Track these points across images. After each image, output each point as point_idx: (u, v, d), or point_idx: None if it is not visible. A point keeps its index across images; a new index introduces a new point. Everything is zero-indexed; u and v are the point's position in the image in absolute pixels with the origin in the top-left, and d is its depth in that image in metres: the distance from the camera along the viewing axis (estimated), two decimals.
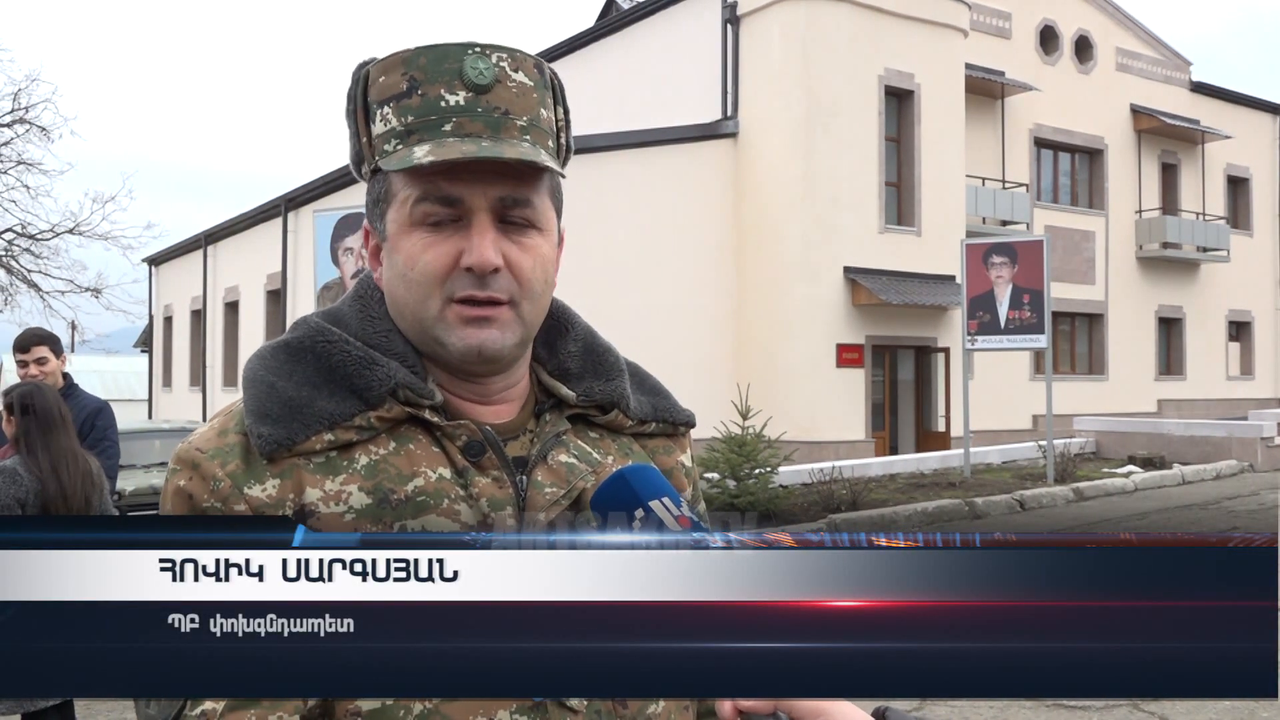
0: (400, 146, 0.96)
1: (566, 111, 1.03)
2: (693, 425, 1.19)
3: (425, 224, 0.96)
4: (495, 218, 0.97)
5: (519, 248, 0.98)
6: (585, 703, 0.95)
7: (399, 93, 0.96)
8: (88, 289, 24.22)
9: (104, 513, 3.93)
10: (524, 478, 1.00)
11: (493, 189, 0.96)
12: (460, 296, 0.96)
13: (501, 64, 0.97)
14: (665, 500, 0.83)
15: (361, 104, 0.99)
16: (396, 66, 0.97)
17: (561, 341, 1.09)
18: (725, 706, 0.77)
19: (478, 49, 0.97)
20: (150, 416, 30.29)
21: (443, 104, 0.95)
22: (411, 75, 0.96)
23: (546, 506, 0.99)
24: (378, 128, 0.97)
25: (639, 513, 0.82)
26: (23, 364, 4.69)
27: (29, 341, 4.72)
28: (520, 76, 0.98)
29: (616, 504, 0.84)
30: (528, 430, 1.05)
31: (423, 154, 0.93)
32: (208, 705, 0.85)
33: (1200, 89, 26.97)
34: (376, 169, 0.99)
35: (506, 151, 0.94)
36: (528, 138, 0.97)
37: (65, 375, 4.85)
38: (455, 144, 0.94)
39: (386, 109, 0.97)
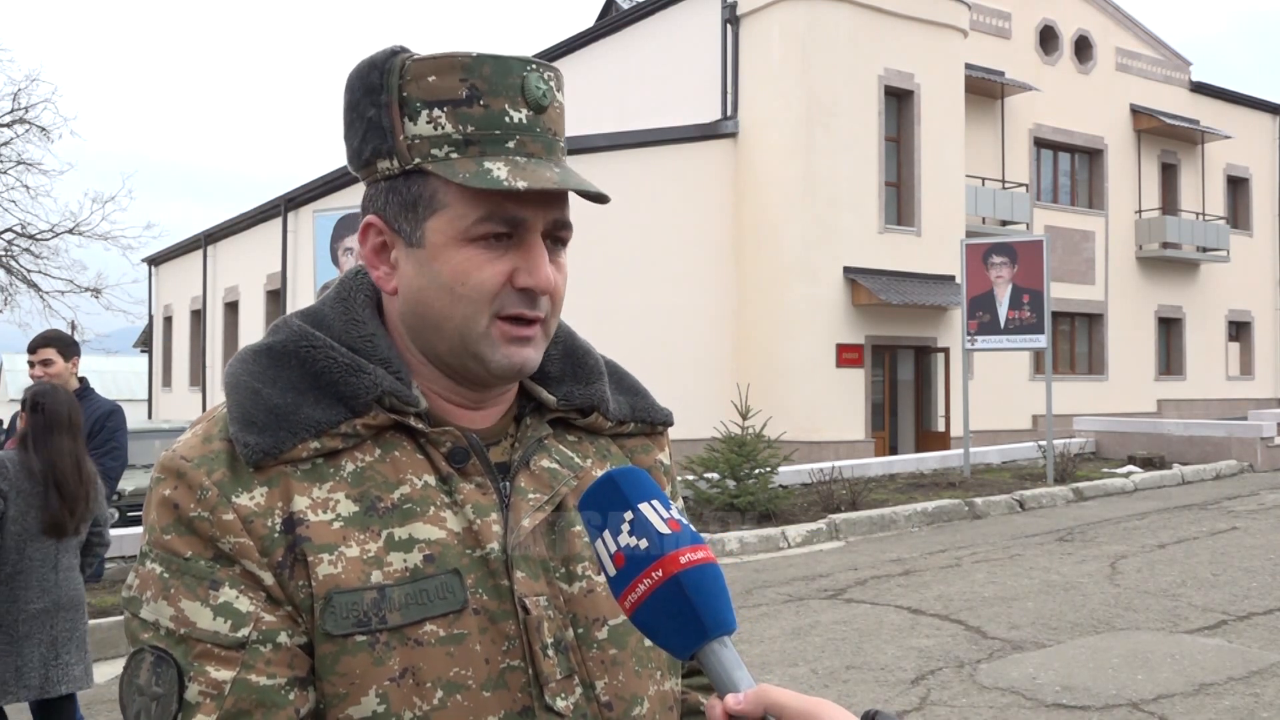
0: (457, 156, 0.94)
1: None
2: (670, 424, 1.19)
3: (478, 239, 0.95)
4: (545, 238, 0.98)
5: (556, 267, 0.99)
6: (572, 706, 0.95)
7: (457, 98, 0.94)
8: (88, 289, 24.26)
9: (99, 512, 3.97)
10: (507, 483, 1.00)
11: (550, 211, 0.97)
12: (508, 314, 0.97)
13: (550, 83, 0.98)
14: (655, 503, 0.83)
15: (398, 96, 0.95)
16: (453, 70, 0.94)
17: None
18: (715, 708, 0.77)
19: (534, 65, 0.97)
20: (150, 416, 30.33)
21: (507, 119, 0.95)
22: (473, 83, 0.94)
23: (530, 512, 0.99)
24: (423, 128, 0.94)
25: (628, 515, 0.82)
26: (31, 364, 4.73)
27: (36, 343, 4.78)
28: (560, 97, 1.00)
29: (606, 506, 0.83)
30: (509, 435, 1.05)
31: (504, 175, 0.92)
32: (204, 684, 0.86)
33: (1200, 89, 26.97)
34: (415, 170, 0.96)
35: (583, 183, 0.95)
36: (565, 159, 1.00)
37: (81, 379, 4.87)
38: (531, 166, 0.94)
39: (438, 111, 0.94)
